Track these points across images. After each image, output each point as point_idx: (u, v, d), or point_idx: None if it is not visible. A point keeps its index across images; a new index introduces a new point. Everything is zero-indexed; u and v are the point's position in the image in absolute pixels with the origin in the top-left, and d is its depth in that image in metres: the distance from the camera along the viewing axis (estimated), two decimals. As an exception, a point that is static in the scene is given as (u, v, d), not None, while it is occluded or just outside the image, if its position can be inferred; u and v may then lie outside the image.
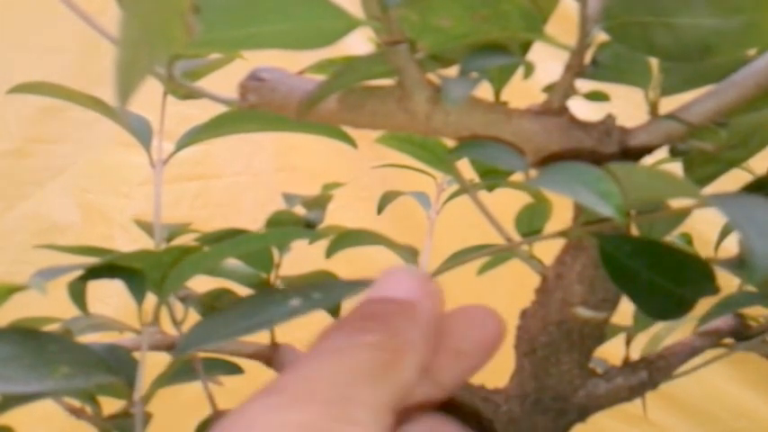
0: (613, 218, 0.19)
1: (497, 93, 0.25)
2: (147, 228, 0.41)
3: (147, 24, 0.14)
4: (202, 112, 0.33)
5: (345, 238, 0.28)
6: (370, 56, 0.22)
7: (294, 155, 0.94)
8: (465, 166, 0.28)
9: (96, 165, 0.91)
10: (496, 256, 0.36)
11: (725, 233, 0.34)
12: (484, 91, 0.23)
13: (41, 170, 0.90)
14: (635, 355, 0.30)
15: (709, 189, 0.28)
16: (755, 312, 0.33)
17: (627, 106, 0.25)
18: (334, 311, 0.39)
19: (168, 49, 0.15)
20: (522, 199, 0.36)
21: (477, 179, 0.31)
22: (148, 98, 0.27)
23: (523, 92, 0.26)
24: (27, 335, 0.24)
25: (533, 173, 0.22)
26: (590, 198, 0.19)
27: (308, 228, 0.36)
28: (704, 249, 0.37)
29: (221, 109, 0.28)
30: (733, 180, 0.28)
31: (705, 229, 0.35)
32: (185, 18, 0.15)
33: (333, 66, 0.28)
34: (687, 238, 0.36)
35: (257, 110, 0.24)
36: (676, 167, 0.28)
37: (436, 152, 0.26)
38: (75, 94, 0.27)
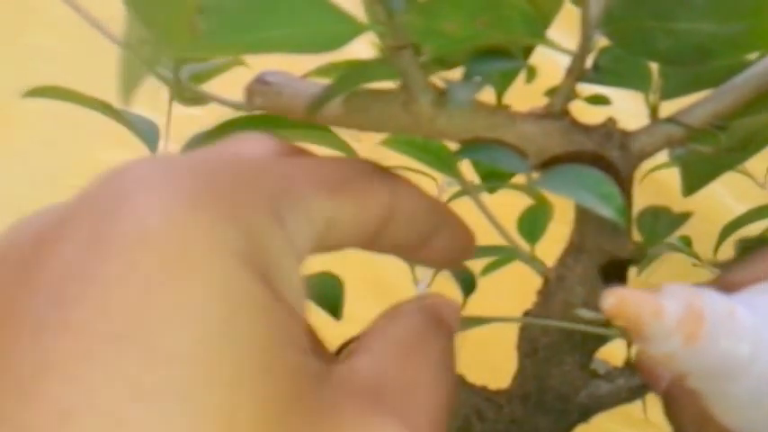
0: (614, 219, 0.19)
1: (499, 96, 0.25)
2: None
3: (151, 23, 0.14)
4: (204, 113, 0.33)
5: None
6: (374, 60, 0.23)
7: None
8: (467, 170, 0.28)
9: (91, 165, 0.91)
10: (500, 257, 0.36)
11: (724, 235, 0.35)
12: (485, 94, 0.24)
13: (37, 171, 0.90)
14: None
15: (709, 190, 0.29)
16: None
17: (627, 110, 0.26)
18: (336, 313, 0.39)
19: (172, 48, 0.15)
20: (521, 201, 0.36)
21: (478, 182, 0.31)
22: (152, 100, 0.27)
23: (525, 92, 0.26)
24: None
25: (535, 175, 0.22)
26: (591, 200, 0.19)
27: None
28: (703, 251, 0.37)
29: (222, 110, 0.28)
30: (729, 182, 0.28)
31: (707, 230, 0.35)
32: (189, 18, 0.15)
33: (336, 70, 0.29)
34: (686, 241, 0.37)
35: (262, 116, 0.25)
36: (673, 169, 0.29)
37: (439, 154, 0.26)
38: (83, 97, 0.27)
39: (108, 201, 0.15)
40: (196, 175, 0.15)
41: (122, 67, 0.14)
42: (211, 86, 0.28)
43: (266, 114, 0.25)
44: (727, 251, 0.36)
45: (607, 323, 0.27)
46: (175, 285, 0.13)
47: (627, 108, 0.26)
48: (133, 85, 0.14)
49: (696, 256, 0.36)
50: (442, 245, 0.21)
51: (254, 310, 0.14)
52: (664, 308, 0.17)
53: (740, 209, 0.35)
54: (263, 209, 0.16)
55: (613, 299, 0.17)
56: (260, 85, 0.24)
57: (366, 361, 0.18)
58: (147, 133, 0.31)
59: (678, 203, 0.31)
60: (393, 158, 0.36)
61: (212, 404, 0.13)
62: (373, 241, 0.20)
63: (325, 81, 0.24)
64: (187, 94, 0.25)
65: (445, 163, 0.26)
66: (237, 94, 0.25)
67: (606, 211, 0.19)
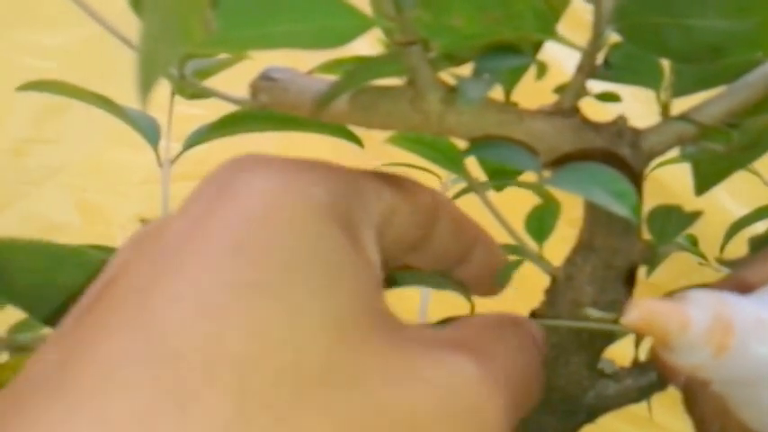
0: (627, 217, 0.19)
1: (508, 93, 0.25)
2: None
3: (166, 18, 0.14)
4: (206, 111, 0.33)
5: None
6: (381, 56, 0.22)
7: (294, 155, 0.94)
8: (474, 168, 0.28)
9: (94, 164, 0.91)
10: (511, 262, 0.35)
11: (730, 234, 0.34)
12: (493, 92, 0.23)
13: (39, 169, 0.90)
14: (644, 355, 0.30)
15: (717, 189, 0.28)
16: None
17: (638, 107, 0.25)
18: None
19: (187, 44, 0.15)
20: (528, 200, 0.36)
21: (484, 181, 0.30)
22: (153, 98, 0.27)
23: (530, 91, 0.26)
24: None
25: (546, 173, 0.22)
26: (605, 198, 0.19)
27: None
28: (710, 251, 0.37)
29: (223, 108, 0.27)
30: (727, 182, 0.28)
31: (711, 230, 0.35)
32: (203, 13, 0.15)
33: (341, 66, 0.28)
34: (692, 240, 0.36)
35: (266, 110, 0.24)
36: (685, 167, 0.28)
37: (447, 152, 0.26)
38: (82, 92, 0.27)
39: (225, 178, 0.19)
40: (291, 161, 0.20)
41: (139, 63, 0.13)
42: (215, 83, 0.28)
43: (271, 110, 0.25)
44: (733, 251, 0.35)
45: (616, 322, 0.26)
46: (273, 223, 0.17)
47: (634, 108, 0.26)
48: (151, 82, 0.14)
49: (702, 255, 0.36)
50: (479, 260, 0.25)
51: (332, 244, 0.18)
52: (691, 319, 0.16)
53: (738, 208, 0.35)
54: (345, 181, 0.20)
55: (638, 311, 0.16)
56: (265, 81, 0.24)
57: (446, 328, 0.21)
58: (148, 130, 0.30)
59: (676, 202, 0.31)
60: (392, 156, 0.36)
61: (293, 301, 0.16)
62: (422, 243, 0.23)
63: (330, 78, 0.24)
64: (191, 90, 0.25)
65: (453, 161, 0.26)
66: (242, 91, 0.25)
67: (621, 209, 0.19)
